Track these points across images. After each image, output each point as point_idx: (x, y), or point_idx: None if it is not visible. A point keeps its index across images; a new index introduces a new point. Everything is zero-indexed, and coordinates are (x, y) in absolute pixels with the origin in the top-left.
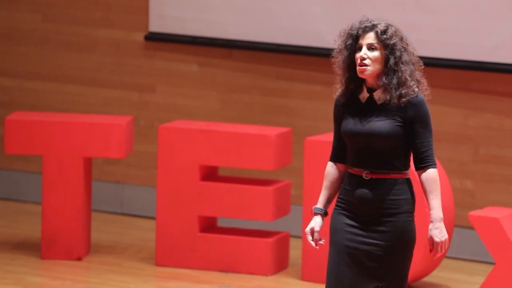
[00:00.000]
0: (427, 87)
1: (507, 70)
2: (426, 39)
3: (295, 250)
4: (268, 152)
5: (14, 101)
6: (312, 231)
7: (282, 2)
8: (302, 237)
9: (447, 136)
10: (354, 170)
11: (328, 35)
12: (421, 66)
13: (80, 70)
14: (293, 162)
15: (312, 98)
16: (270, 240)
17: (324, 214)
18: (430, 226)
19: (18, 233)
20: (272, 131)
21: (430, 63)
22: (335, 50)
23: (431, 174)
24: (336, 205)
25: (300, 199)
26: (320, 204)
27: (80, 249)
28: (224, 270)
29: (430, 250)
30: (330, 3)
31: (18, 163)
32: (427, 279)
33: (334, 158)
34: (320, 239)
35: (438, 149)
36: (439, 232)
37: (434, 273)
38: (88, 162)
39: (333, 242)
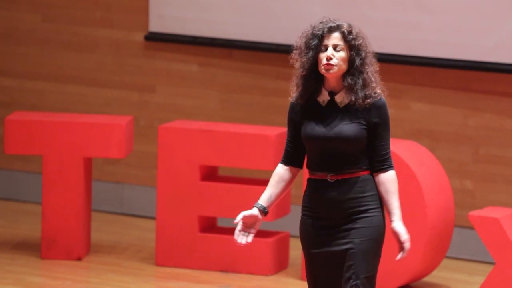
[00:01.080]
0: (383, 88)
1: (507, 70)
2: (426, 39)
3: (295, 250)
4: (268, 152)
5: (14, 101)
6: (243, 218)
7: (282, 2)
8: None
9: (447, 136)
10: (317, 175)
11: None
12: (377, 68)
13: (80, 70)
14: None
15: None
16: (270, 240)
17: (263, 210)
18: (396, 224)
19: (18, 233)
20: (272, 131)
21: (430, 63)
22: (294, 52)
23: (392, 176)
24: (302, 214)
25: (300, 199)
26: (260, 200)
27: (80, 249)
28: (224, 270)
29: (401, 249)
30: (330, 3)
31: (18, 163)
32: (427, 279)
33: (286, 161)
34: (247, 234)
35: (438, 149)
36: (405, 230)
37: (434, 273)
38: (88, 162)
39: (307, 252)
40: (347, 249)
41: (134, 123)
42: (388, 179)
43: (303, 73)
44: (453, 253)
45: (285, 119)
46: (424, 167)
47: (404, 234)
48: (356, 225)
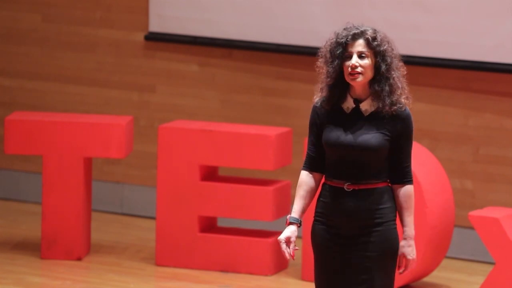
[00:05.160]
0: (408, 95)
1: (507, 70)
2: (426, 39)
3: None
4: (268, 152)
5: (14, 101)
6: (288, 240)
7: (282, 2)
8: (302, 237)
9: (447, 136)
10: (334, 182)
11: (327, 35)
12: (405, 71)
13: (80, 70)
14: (293, 162)
15: (312, 98)
16: (270, 240)
17: (299, 224)
18: (403, 243)
19: (18, 233)
20: (272, 131)
21: (430, 63)
22: (319, 60)
23: (408, 190)
24: (316, 220)
25: None
26: (295, 214)
27: (80, 249)
28: (224, 270)
29: (399, 267)
30: (330, 3)
31: (18, 163)
32: (427, 279)
33: (310, 167)
34: (294, 247)
35: (438, 149)
36: (411, 250)
37: (434, 273)
38: (88, 162)
39: (318, 259)
40: (366, 263)
41: (134, 123)
42: (404, 194)
43: (329, 82)
44: (453, 253)
45: (284, 119)
46: (424, 167)
47: (409, 255)
48: (372, 238)
